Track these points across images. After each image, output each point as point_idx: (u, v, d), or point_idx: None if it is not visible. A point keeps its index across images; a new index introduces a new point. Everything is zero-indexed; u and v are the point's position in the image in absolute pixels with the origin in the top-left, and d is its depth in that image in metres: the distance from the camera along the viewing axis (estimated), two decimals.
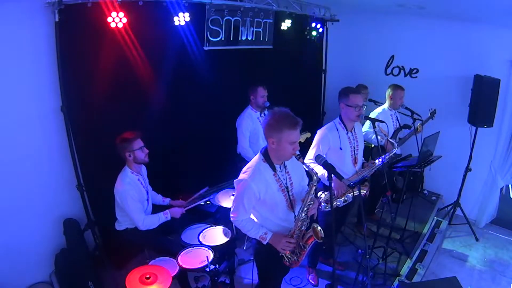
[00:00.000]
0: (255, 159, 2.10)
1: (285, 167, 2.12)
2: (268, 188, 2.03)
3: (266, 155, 2.06)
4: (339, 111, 2.85)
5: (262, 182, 2.01)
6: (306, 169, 2.07)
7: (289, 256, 2.16)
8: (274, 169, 2.05)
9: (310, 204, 2.09)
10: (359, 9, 4.95)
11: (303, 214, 2.09)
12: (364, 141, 3.17)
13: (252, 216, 2.19)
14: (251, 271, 2.44)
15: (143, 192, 2.78)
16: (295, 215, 2.14)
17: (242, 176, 2.06)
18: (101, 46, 2.79)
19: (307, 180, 2.29)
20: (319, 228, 2.07)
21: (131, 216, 2.62)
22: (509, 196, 4.50)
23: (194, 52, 3.48)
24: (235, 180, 2.08)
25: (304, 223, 2.13)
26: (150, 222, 2.71)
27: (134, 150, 2.64)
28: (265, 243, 2.11)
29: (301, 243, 2.13)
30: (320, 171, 2.71)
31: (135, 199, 2.62)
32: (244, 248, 2.55)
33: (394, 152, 3.11)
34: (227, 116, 3.82)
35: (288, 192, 2.11)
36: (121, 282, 2.41)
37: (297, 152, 2.00)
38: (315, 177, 2.04)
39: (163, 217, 2.76)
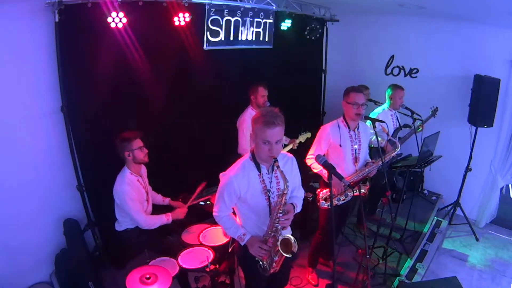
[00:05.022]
0: (244, 156, 2.06)
1: (273, 170, 2.02)
2: (250, 186, 1.97)
3: (253, 154, 2.01)
4: (342, 110, 2.87)
5: (244, 179, 1.96)
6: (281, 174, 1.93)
7: (264, 262, 2.08)
8: (259, 169, 1.99)
9: (281, 213, 1.94)
10: (359, 9, 4.94)
11: (276, 222, 1.96)
12: None
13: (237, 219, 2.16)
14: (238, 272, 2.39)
15: (143, 193, 2.78)
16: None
17: (227, 170, 2.04)
18: (101, 46, 2.79)
19: (302, 191, 2.22)
20: (293, 240, 1.90)
21: (133, 216, 2.61)
22: (509, 196, 4.50)
23: (194, 52, 3.48)
24: (220, 173, 2.05)
25: (278, 232, 1.99)
26: (152, 222, 2.71)
27: (133, 150, 2.63)
28: (242, 244, 2.07)
29: (272, 253, 2.03)
30: (319, 166, 2.72)
31: (134, 199, 2.62)
32: (229, 250, 2.53)
33: (396, 153, 3.11)
34: (227, 116, 3.81)
35: (270, 196, 2.01)
36: (121, 282, 2.41)
37: (289, 161, 1.96)
38: (285, 185, 1.90)
39: (164, 219, 2.76)
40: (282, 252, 1.92)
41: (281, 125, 1.86)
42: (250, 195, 1.99)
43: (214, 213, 2.12)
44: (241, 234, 2.07)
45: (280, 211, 1.95)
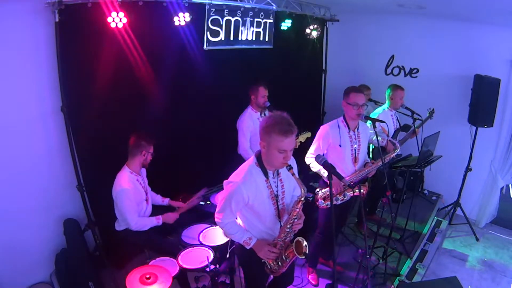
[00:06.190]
0: (249, 161, 2.02)
1: (278, 174, 2.03)
2: (258, 193, 1.95)
3: (259, 159, 1.97)
4: (342, 110, 2.87)
5: (252, 186, 1.93)
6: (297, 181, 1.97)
7: (272, 264, 2.10)
8: (266, 175, 1.97)
9: (295, 218, 2.00)
10: (359, 9, 4.95)
11: (288, 227, 2.01)
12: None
13: (238, 221, 2.15)
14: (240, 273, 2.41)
15: (142, 192, 2.79)
16: (280, 225, 2.07)
17: (233, 177, 1.98)
18: (101, 46, 2.79)
19: (299, 191, 2.23)
20: (304, 243, 1.95)
21: (125, 215, 2.62)
22: (509, 196, 4.50)
23: (194, 52, 3.48)
24: (225, 181, 2.00)
25: (289, 235, 2.05)
26: (142, 223, 2.72)
27: (149, 152, 2.72)
28: (248, 248, 2.06)
29: (283, 255, 2.06)
30: (318, 166, 2.73)
31: (131, 199, 2.63)
32: (227, 255, 2.55)
33: (396, 153, 3.12)
34: (227, 116, 3.81)
35: (277, 200, 2.02)
36: (121, 282, 2.42)
37: (289, 163, 1.92)
38: (302, 191, 1.93)
39: (155, 221, 2.77)
40: (296, 254, 1.96)
41: (295, 131, 1.85)
42: (257, 201, 1.97)
43: (217, 219, 2.06)
44: (247, 238, 2.05)
45: (295, 216, 1.98)
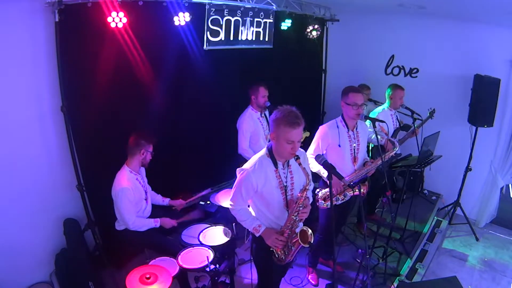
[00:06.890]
0: (261, 152, 2.14)
1: (288, 166, 2.13)
2: (267, 182, 2.06)
3: (270, 150, 2.09)
4: (342, 110, 2.87)
5: (262, 175, 2.04)
6: (303, 171, 2.06)
7: (279, 252, 2.18)
8: (275, 165, 2.07)
9: (301, 206, 2.09)
10: (359, 9, 4.95)
11: (294, 215, 2.09)
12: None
13: (250, 210, 2.25)
14: (251, 270, 2.46)
15: (142, 191, 2.79)
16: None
17: (245, 166, 2.11)
18: (101, 46, 2.79)
19: (312, 184, 2.27)
20: (309, 232, 2.05)
21: (123, 214, 2.63)
22: (509, 196, 4.50)
23: (194, 52, 3.48)
24: (238, 169, 2.13)
25: (295, 224, 2.13)
26: (139, 224, 2.72)
27: (148, 151, 2.73)
28: (257, 235, 2.15)
29: (289, 243, 2.15)
30: (317, 166, 2.73)
31: (130, 198, 2.63)
32: (245, 242, 2.59)
33: (395, 152, 3.12)
34: (227, 116, 3.81)
35: (286, 191, 2.11)
36: (121, 282, 2.42)
37: (298, 154, 2.01)
38: (307, 180, 2.05)
39: (153, 223, 2.78)
40: (300, 242, 2.03)
41: (302, 123, 1.97)
42: (266, 190, 2.07)
43: (230, 206, 2.20)
44: (257, 225, 2.15)
45: (300, 205, 2.07)
